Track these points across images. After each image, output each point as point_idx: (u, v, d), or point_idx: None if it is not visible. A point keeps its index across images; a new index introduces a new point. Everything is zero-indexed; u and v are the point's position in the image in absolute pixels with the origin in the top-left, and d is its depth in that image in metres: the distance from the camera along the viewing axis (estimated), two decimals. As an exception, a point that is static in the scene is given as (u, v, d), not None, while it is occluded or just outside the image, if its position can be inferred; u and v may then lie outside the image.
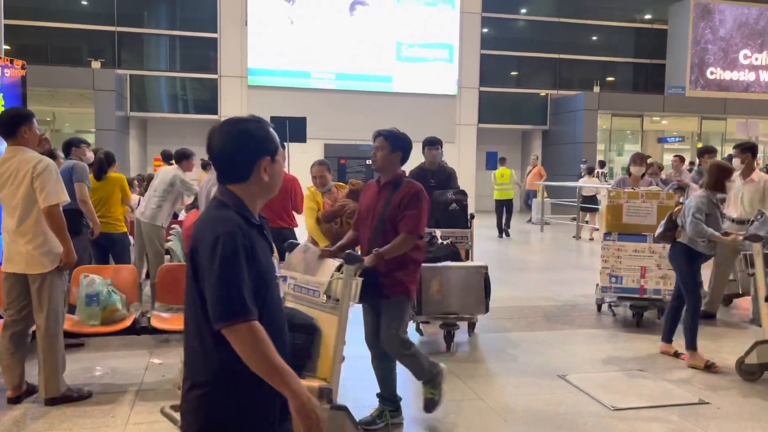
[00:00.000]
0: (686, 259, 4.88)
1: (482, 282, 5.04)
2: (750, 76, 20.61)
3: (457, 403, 4.09)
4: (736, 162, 6.05)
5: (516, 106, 20.66)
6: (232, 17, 17.86)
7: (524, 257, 11.41)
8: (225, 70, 18.04)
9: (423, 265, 3.88)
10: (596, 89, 19.93)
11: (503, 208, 13.30)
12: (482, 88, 19.76)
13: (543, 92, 20.65)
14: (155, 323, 4.46)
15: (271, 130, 1.88)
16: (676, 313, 5.07)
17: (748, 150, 6.09)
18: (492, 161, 20.73)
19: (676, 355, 5.02)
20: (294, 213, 5.72)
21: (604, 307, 6.43)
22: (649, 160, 7.67)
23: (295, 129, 7.44)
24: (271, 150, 1.85)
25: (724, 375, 4.69)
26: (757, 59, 20.59)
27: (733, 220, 6.00)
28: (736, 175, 5.87)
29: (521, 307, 6.77)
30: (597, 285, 6.20)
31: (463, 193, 5.78)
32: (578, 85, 20.54)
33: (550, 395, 4.27)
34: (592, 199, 13.48)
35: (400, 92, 18.85)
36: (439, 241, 5.14)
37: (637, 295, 5.85)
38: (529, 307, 6.79)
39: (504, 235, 13.19)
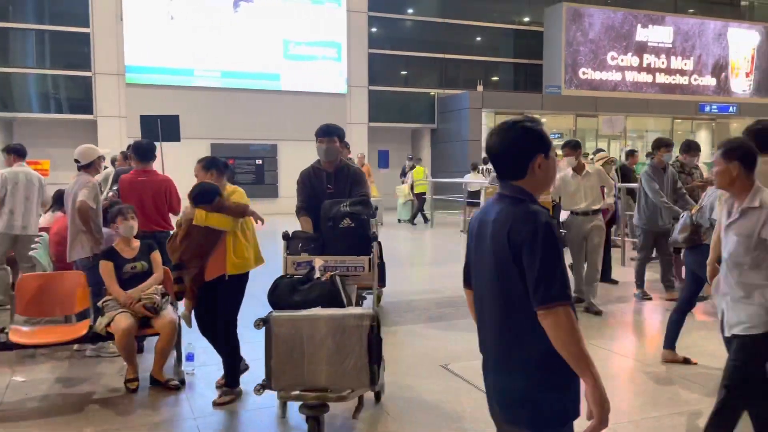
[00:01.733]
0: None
1: (365, 339, 3.24)
2: (617, 76, 22.17)
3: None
4: (570, 159, 6.38)
5: (405, 105, 21.03)
6: (105, 11, 16.89)
7: (414, 252, 11.65)
8: (99, 67, 17.04)
9: (274, 314, 3.26)
10: (480, 88, 20.68)
11: (419, 199, 15.68)
12: (372, 87, 19.94)
13: (432, 91, 21.15)
14: (15, 338, 4.11)
15: (543, 129, 2.02)
16: (682, 318, 4.81)
17: (577, 147, 6.53)
18: (384, 160, 21.00)
19: (687, 361, 4.78)
20: (170, 215, 5.49)
21: None
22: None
23: (167, 128, 7.08)
24: (545, 148, 1.98)
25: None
26: (623, 60, 22.19)
27: (577, 213, 6.35)
28: (567, 171, 6.37)
29: (409, 301, 6.88)
30: None
31: (365, 203, 4.25)
32: (463, 84, 21.21)
33: (433, 385, 4.36)
34: (477, 195, 13.97)
35: (289, 91, 18.64)
36: (317, 274, 3.65)
37: None
38: (417, 301, 6.92)
39: (425, 221, 15.51)
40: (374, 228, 4.56)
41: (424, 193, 15.88)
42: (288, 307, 3.34)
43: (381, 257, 5.19)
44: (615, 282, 7.78)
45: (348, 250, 4.01)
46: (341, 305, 3.46)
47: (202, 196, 3.90)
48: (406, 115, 21.05)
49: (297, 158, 18.49)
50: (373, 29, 20.11)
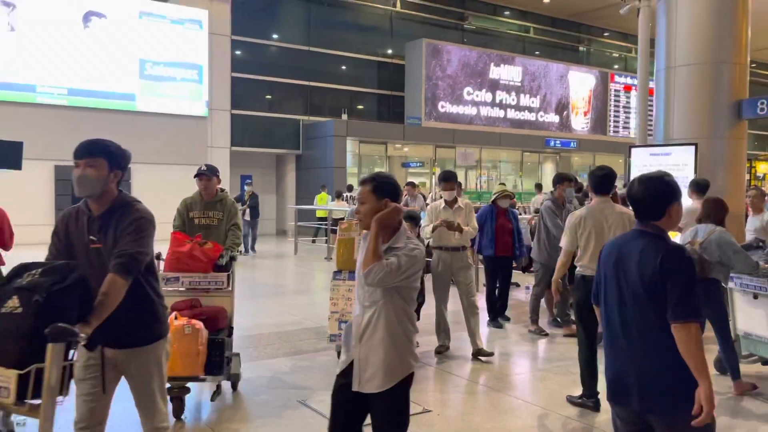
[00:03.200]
0: (720, 297, 4.92)
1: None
2: (473, 111, 23.52)
3: (191, 444, 3.87)
4: (451, 193, 6.09)
5: (269, 131, 20.82)
6: (-68, 17, 15.20)
7: (278, 281, 11.43)
8: (-76, 77, 15.26)
9: None
10: (344, 117, 21.00)
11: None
12: (234, 111, 19.56)
13: (299, 118, 21.12)
14: None
15: (674, 180, 2.58)
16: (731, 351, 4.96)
17: (454, 179, 6.30)
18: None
19: (755, 387, 4.89)
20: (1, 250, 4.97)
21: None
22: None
23: (8, 154, 6.39)
24: (678, 196, 2.54)
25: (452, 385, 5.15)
26: (478, 96, 23.60)
27: (447, 248, 5.99)
28: (440, 202, 6.13)
29: (269, 334, 6.72)
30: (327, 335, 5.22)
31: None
32: (329, 112, 21.44)
33: (291, 423, 4.26)
34: (337, 222, 14.08)
35: (146, 112, 17.78)
36: None
37: None
38: (276, 334, 6.77)
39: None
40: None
41: (325, 218, 15.50)
42: None
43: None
44: (507, 319, 7.61)
45: None
46: None
47: None
48: (271, 140, 20.84)
49: (154, 182, 17.73)
50: (237, 52, 19.80)
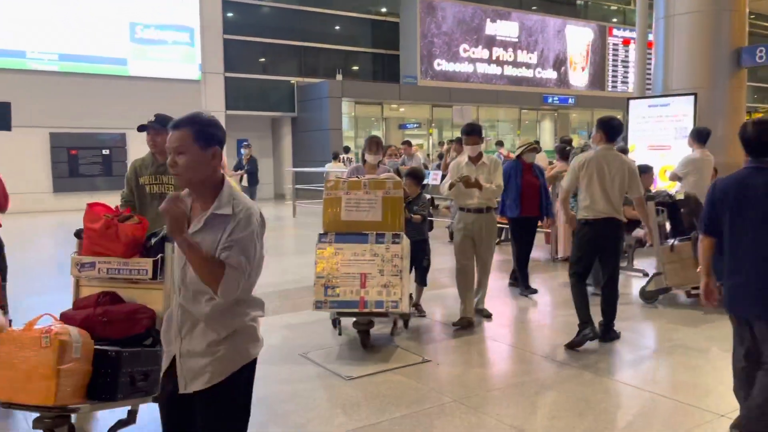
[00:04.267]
0: None
1: None
2: (469, 68, 23.24)
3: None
4: (475, 147, 5.48)
5: (264, 93, 20.59)
6: None
7: (277, 243, 11.47)
8: None
9: None
10: (339, 77, 20.75)
11: None
12: (228, 74, 19.31)
13: (292, 80, 20.86)
14: None
15: None
16: None
17: (477, 132, 5.59)
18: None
19: None
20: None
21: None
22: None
23: (-5, 114, 6.35)
24: None
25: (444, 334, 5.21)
26: (474, 53, 23.28)
27: (469, 210, 5.48)
28: (463, 157, 5.54)
29: (270, 293, 6.75)
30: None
31: None
32: (323, 73, 21.16)
33: (291, 374, 4.32)
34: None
35: (138, 76, 17.55)
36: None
37: (356, 309, 4.57)
38: (277, 292, 6.81)
39: None
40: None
41: None
42: None
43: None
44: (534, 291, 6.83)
45: None
46: None
47: None
48: (266, 103, 20.64)
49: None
50: (229, 14, 19.46)
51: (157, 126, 4.03)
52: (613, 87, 27.09)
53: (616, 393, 3.98)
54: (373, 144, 5.70)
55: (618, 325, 5.13)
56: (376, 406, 3.76)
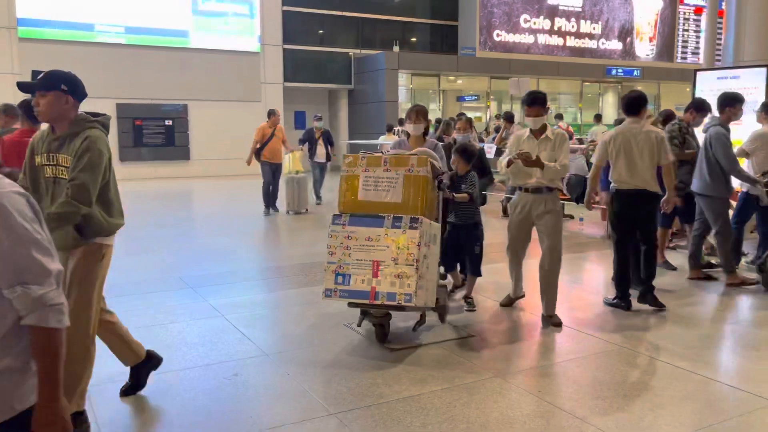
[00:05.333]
0: None
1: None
2: (530, 39, 22.62)
3: (243, 361, 4.07)
4: (538, 119, 4.81)
5: (321, 65, 20.67)
6: (-8, -42, 15.56)
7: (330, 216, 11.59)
8: (-12, 19, 15.77)
9: None
10: (396, 49, 20.59)
11: None
12: (286, 46, 19.46)
13: (349, 51, 20.83)
14: None
15: None
16: None
17: (541, 102, 4.87)
18: (300, 121, 20.67)
19: None
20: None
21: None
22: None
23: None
24: None
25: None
26: (535, 23, 22.62)
27: (527, 189, 4.86)
28: (524, 131, 4.94)
29: (317, 263, 6.86)
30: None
31: None
32: (380, 44, 21.04)
33: (334, 343, 4.40)
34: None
35: (199, 48, 17.91)
36: None
37: (367, 301, 4.07)
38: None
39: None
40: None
41: None
42: None
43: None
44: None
45: None
46: None
47: None
48: (323, 75, 20.72)
49: (209, 119, 18.05)
50: (288, -15, 19.55)
51: (39, 85, 2.95)
52: (682, 58, 25.88)
53: (666, 374, 3.88)
54: (413, 113, 5.06)
55: (674, 302, 4.98)
56: (417, 378, 3.79)
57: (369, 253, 4.07)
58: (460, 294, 5.46)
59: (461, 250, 5.21)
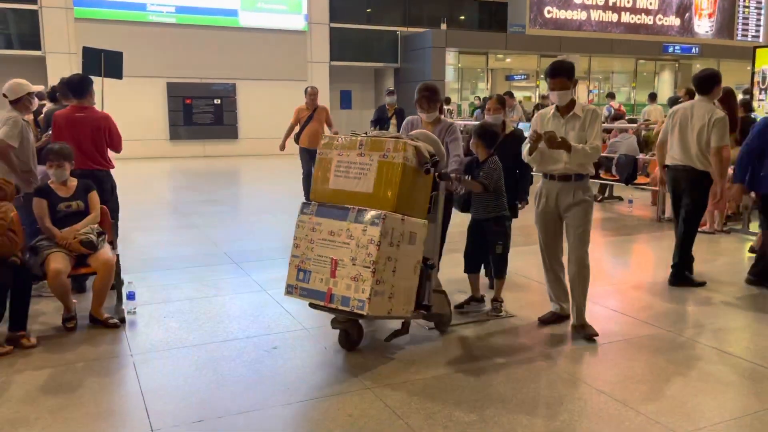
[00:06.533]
0: None
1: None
2: (582, 15, 21.96)
3: (283, 335, 4.13)
4: (564, 93, 4.05)
5: (367, 43, 20.58)
6: (50, -60, 15.98)
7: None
8: (46, 0, 16.24)
9: None
10: (443, 27, 20.31)
11: None
12: (333, 25, 19.43)
13: (396, 29, 20.66)
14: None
15: None
16: None
17: (566, 73, 4.08)
18: (346, 100, 20.69)
19: None
20: (111, 153, 5.33)
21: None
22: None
23: (110, 63, 6.82)
24: None
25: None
26: (588, -1, 21.96)
27: (553, 177, 4.17)
28: (549, 108, 4.20)
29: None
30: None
31: None
32: (427, 22, 20.79)
33: (372, 322, 4.42)
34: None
35: (248, 27, 18.07)
36: None
37: (323, 303, 3.58)
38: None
39: None
40: None
41: None
42: None
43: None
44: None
45: None
46: None
47: None
48: (369, 53, 20.63)
49: (257, 98, 18.24)
50: (335, -36, 19.47)
51: None
52: (743, 35, 24.72)
53: (711, 360, 3.76)
54: (423, 101, 4.43)
55: (726, 290, 4.81)
56: (453, 357, 3.78)
57: (330, 249, 3.55)
58: (489, 295, 4.73)
59: (483, 249, 4.55)
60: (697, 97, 5.17)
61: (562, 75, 4.00)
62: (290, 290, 3.70)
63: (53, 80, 14.30)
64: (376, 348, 3.92)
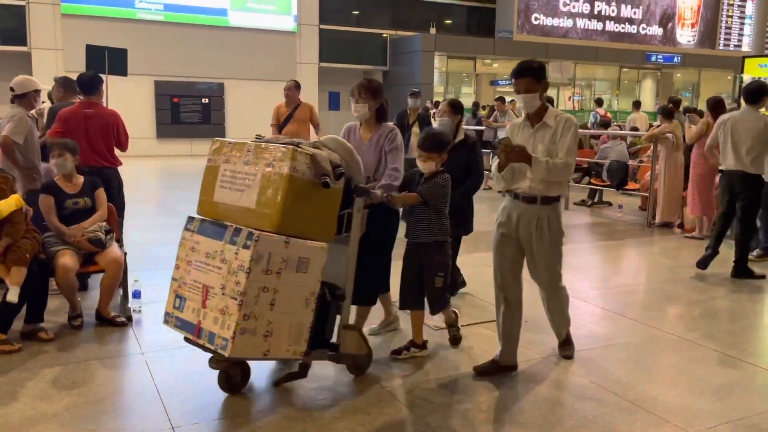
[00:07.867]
0: None
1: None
2: (568, 23, 22.25)
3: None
4: (531, 97, 3.38)
5: (356, 46, 20.64)
6: (38, -66, 15.79)
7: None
8: (33, -5, 16.06)
9: None
10: (432, 31, 20.44)
11: None
12: (322, 26, 19.45)
13: (384, 32, 20.75)
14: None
15: None
16: None
17: (533, 73, 3.46)
18: (334, 102, 20.70)
19: None
20: (118, 151, 5.32)
21: None
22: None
23: (114, 60, 6.79)
24: None
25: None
26: (574, 7, 22.24)
27: (516, 196, 3.49)
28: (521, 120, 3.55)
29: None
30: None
31: None
32: (416, 26, 20.91)
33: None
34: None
35: (237, 27, 18.02)
36: None
37: (192, 337, 3.03)
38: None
39: None
40: None
41: None
42: None
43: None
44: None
45: None
46: None
47: None
48: (358, 56, 20.69)
49: (245, 97, 18.16)
50: (325, -35, 19.50)
51: None
52: (725, 45, 25.23)
53: (714, 362, 3.87)
54: (357, 89, 3.79)
55: (723, 291, 4.91)
56: (464, 359, 3.83)
57: (203, 273, 3.00)
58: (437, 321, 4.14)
59: (417, 281, 3.65)
60: (746, 106, 5.73)
61: (527, 75, 3.33)
62: (167, 319, 3.16)
63: (38, 77, 14.14)
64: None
